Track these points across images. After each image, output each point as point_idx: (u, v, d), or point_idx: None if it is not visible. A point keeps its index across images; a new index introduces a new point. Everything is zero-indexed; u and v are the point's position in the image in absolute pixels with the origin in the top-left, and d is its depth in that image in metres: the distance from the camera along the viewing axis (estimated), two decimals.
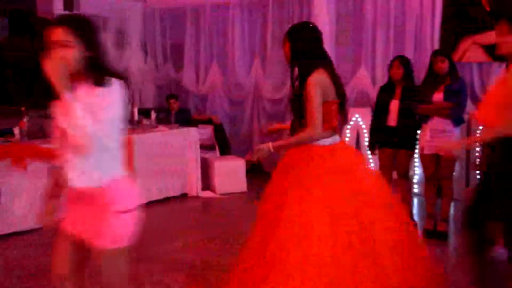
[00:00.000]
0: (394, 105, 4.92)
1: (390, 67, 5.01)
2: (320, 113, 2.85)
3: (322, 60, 2.98)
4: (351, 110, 6.44)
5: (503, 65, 5.80)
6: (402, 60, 4.96)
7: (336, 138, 3.02)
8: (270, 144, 2.96)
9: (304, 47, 2.97)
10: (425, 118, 4.79)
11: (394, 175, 5.11)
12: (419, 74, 6.20)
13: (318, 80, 2.88)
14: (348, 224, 2.78)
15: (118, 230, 2.38)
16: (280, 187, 2.96)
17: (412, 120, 4.88)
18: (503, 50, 2.94)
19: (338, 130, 3.04)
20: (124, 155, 2.43)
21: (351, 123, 6.29)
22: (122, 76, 2.30)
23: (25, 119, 5.13)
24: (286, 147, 3.02)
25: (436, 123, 4.70)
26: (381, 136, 5.04)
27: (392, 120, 4.93)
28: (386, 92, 5.04)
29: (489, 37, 5.92)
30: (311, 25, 3.11)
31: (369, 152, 5.30)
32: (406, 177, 5.04)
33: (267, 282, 2.70)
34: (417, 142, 4.99)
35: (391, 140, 4.93)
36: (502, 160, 2.96)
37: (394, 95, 4.94)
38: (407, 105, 4.84)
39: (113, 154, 2.36)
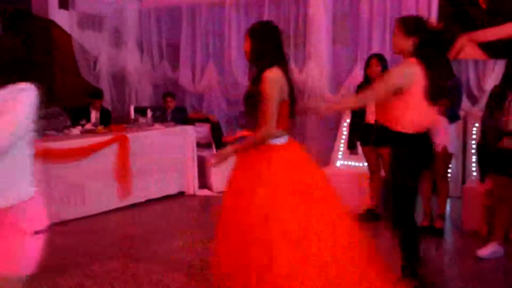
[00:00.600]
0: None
1: (367, 65, 5.03)
2: (276, 110, 2.88)
3: (278, 59, 2.98)
4: None
5: (499, 62, 5.90)
6: (380, 58, 5.01)
7: (287, 137, 3.02)
8: (229, 148, 3.00)
9: (262, 45, 2.98)
10: None
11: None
12: None
13: (275, 77, 2.89)
14: (348, 223, 2.79)
15: (23, 254, 2.07)
16: (247, 187, 2.87)
17: None
18: (394, 48, 3.36)
19: (289, 130, 3.03)
20: (33, 167, 2.17)
21: (348, 120, 6.29)
22: (35, 80, 2.07)
23: None
24: (245, 148, 2.99)
25: None
26: (360, 134, 5.09)
27: (371, 117, 4.97)
28: (363, 89, 5.07)
29: (485, 34, 5.96)
30: (272, 24, 3.11)
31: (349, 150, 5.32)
32: None
33: (266, 283, 2.69)
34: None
35: (371, 138, 4.98)
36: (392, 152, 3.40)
37: None
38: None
39: (21, 165, 2.09)
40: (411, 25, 3.25)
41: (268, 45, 2.98)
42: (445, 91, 4.50)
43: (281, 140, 2.95)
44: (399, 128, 3.22)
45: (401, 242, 3.44)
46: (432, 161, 3.55)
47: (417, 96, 3.15)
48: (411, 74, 3.16)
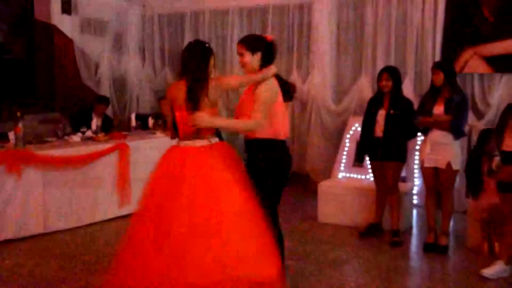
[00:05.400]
0: (381, 116, 4.90)
1: (379, 79, 4.99)
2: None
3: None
4: (351, 119, 6.39)
5: (505, 77, 5.84)
6: (390, 72, 4.96)
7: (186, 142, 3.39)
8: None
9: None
10: (425, 131, 4.77)
11: None
12: (421, 85, 6.18)
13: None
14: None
15: None
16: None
17: (400, 131, 4.86)
18: (245, 69, 3.48)
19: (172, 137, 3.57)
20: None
21: (351, 132, 6.23)
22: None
23: (20, 125, 5.04)
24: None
25: (436, 135, 4.66)
26: (369, 148, 5.04)
27: (379, 131, 4.91)
28: (374, 102, 5.03)
29: (491, 48, 5.90)
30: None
31: (357, 163, 5.28)
32: (394, 190, 4.99)
33: None
34: (406, 153, 5.01)
35: (378, 151, 4.93)
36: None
37: (382, 105, 4.93)
38: (393, 116, 4.83)
39: None
40: (253, 42, 3.45)
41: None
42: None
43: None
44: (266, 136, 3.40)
45: None
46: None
47: (279, 106, 3.43)
48: (276, 89, 3.42)
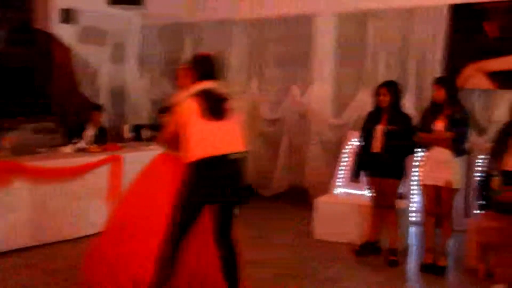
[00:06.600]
0: (379, 131, 4.78)
1: (377, 93, 4.87)
2: None
3: None
4: (350, 132, 6.26)
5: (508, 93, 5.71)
6: (389, 87, 4.84)
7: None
8: None
9: None
10: (425, 147, 4.64)
11: None
12: (421, 100, 6.05)
13: None
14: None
15: None
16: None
17: (398, 147, 4.73)
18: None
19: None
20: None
21: (349, 146, 6.10)
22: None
23: (9, 135, 4.93)
24: None
25: (436, 153, 4.54)
26: (366, 163, 4.90)
27: (377, 146, 4.78)
28: (372, 117, 4.91)
29: (495, 63, 5.78)
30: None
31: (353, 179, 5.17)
32: (391, 208, 4.86)
33: None
34: (404, 170, 4.87)
35: (376, 167, 4.79)
36: None
37: (380, 120, 4.80)
38: (391, 132, 4.72)
39: None
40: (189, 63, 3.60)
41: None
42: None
43: None
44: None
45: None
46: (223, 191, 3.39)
47: (196, 126, 3.33)
48: (187, 108, 3.38)
